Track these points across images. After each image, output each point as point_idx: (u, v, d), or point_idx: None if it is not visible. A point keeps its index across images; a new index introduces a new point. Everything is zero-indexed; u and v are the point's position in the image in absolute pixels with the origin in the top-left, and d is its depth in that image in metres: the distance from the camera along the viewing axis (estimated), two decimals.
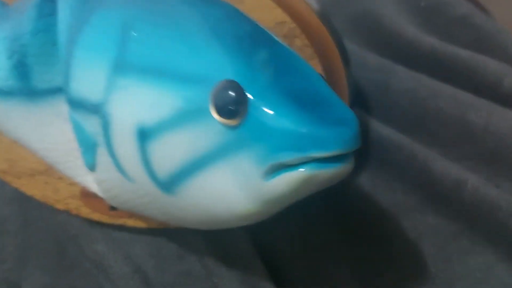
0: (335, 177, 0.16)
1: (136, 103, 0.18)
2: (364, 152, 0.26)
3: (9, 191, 0.30)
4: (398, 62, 0.35)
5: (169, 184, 0.18)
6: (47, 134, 0.23)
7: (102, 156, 0.20)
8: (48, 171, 0.27)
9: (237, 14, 0.19)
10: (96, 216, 0.28)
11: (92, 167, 0.21)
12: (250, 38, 0.18)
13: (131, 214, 0.27)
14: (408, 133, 0.30)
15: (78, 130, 0.20)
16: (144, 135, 0.18)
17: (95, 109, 0.19)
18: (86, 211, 0.28)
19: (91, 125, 0.19)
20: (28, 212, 0.30)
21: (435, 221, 0.27)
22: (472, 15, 0.37)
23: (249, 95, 0.16)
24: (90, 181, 0.24)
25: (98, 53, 0.18)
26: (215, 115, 0.16)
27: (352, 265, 0.26)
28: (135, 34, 0.18)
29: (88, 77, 0.19)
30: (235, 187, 0.17)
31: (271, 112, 0.15)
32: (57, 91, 0.21)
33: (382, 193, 0.29)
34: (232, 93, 0.16)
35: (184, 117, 0.17)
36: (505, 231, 0.24)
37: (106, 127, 0.18)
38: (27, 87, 0.22)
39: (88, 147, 0.20)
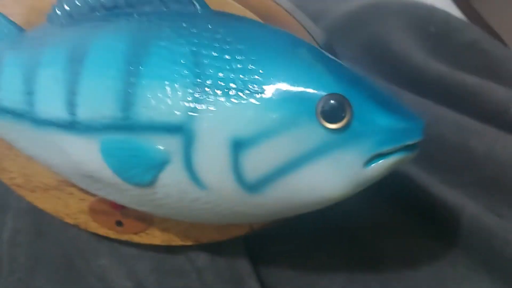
0: (410, 160, 0.21)
1: (230, 119, 0.19)
2: None
3: (24, 205, 0.32)
4: (405, 87, 0.35)
5: (257, 185, 0.20)
6: (52, 158, 0.25)
7: (169, 172, 0.21)
8: (60, 186, 0.29)
9: (297, 38, 0.22)
10: (103, 231, 0.30)
11: (146, 184, 0.22)
12: (325, 59, 0.21)
13: (137, 231, 0.29)
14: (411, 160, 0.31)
15: (140, 152, 0.21)
16: (239, 146, 0.19)
17: (175, 129, 0.20)
18: (93, 226, 0.29)
19: (164, 144, 0.20)
20: (40, 225, 0.31)
21: (432, 246, 0.27)
22: (482, 40, 0.37)
23: (352, 103, 0.19)
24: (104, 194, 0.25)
25: (172, 79, 0.20)
26: (322, 122, 0.19)
27: (345, 286, 0.27)
28: (211, 60, 0.20)
29: (164, 102, 0.20)
30: (334, 177, 0.20)
31: (372, 114, 0.19)
32: (51, 123, 0.23)
33: (380, 216, 0.29)
34: (339, 102, 0.19)
35: (286, 127, 0.19)
36: (501, 259, 0.25)
37: (188, 144, 0.20)
38: (32, 113, 0.23)
39: (150, 167, 0.21)
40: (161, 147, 0.20)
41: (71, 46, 0.22)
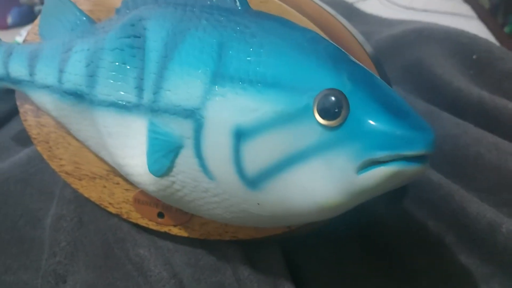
0: (415, 175, 0.19)
1: (235, 108, 0.21)
2: (401, 189, 0.29)
3: (68, 193, 0.35)
4: (445, 109, 0.38)
5: (256, 181, 0.21)
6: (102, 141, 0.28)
7: (183, 157, 0.23)
8: (108, 175, 0.32)
9: (320, 37, 0.23)
10: (143, 222, 0.32)
11: (165, 170, 0.24)
12: (337, 56, 0.21)
13: (176, 223, 0.31)
14: (448, 177, 0.32)
15: (160, 135, 0.23)
16: (240, 136, 0.21)
17: (188, 114, 0.22)
18: (135, 216, 0.32)
19: (179, 129, 0.22)
20: (83, 214, 0.34)
21: (467, 262, 0.29)
22: None
23: (349, 101, 0.19)
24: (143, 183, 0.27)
25: (196, 66, 0.22)
26: (318, 117, 0.19)
27: None
28: (234, 52, 0.22)
29: (185, 87, 0.22)
30: (327, 181, 0.20)
31: (369, 115, 0.19)
32: (107, 105, 0.26)
33: (416, 230, 0.31)
34: (336, 98, 0.19)
35: (285, 120, 0.20)
36: None
37: (198, 129, 0.22)
38: (91, 95, 0.27)
39: (168, 151, 0.23)
40: (176, 131, 0.23)
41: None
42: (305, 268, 0.30)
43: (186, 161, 0.23)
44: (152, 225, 0.32)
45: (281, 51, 0.21)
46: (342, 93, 0.19)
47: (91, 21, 0.29)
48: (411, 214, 0.32)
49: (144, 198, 0.31)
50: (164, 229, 0.31)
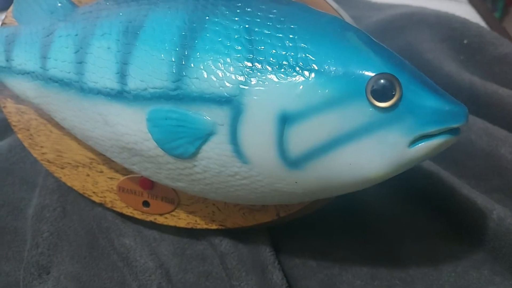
0: (452, 144, 0.22)
1: (279, 93, 0.21)
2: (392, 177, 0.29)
3: (51, 182, 0.34)
4: None
5: (300, 161, 0.22)
6: (93, 129, 0.27)
7: (213, 144, 0.23)
8: (91, 164, 0.31)
9: (346, 23, 0.23)
10: (128, 211, 0.32)
11: (188, 156, 0.23)
12: (372, 41, 0.22)
13: (163, 212, 0.31)
14: (438, 164, 0.33)
15: (187, 123, 0.23)
16: (286, 120, 0.21)
17: (224, 101, 0.22)
18: (120, 205, 0.32)
19: (212, 116, 0.22)
20: (66, 204, 0.34)
21: (457, 248, 0.29)
22: None
23: (402, 83, 0.21)
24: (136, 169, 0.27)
25: (226, 53, 0.22)
26: (371, 100, 0.21)
27: (368, 282, 0.28)
28: (266, 37, 0.22)
29: (217, 74, 0.22)
30: (377, 156, 0.21)
31: (419, 95, 0.21)
32: (99, 93, 0.25)
33: (405, 217, 0.31)
34: (390, 81, 0.21)
35: (334, 104, 0.21)
36: None
37: (236, 116, 0.22)
38: (80, 83, 0.26)
39: (195, 138, 0.23)
40: (208, 118, 0.22)
41: (127, 20, 0.25)
42: (293, 255, 0.30)
43: (215, 147, 0.23)
44: (137, 214, 0.32)
45: (319, 38, 0.22)
46: (394, 76, 0.21)
47: (73, 4, 0.29)
48: (400, 200, 0.32)
49: (129, 186, 0.31)
50: (150, 218, 0.31)
